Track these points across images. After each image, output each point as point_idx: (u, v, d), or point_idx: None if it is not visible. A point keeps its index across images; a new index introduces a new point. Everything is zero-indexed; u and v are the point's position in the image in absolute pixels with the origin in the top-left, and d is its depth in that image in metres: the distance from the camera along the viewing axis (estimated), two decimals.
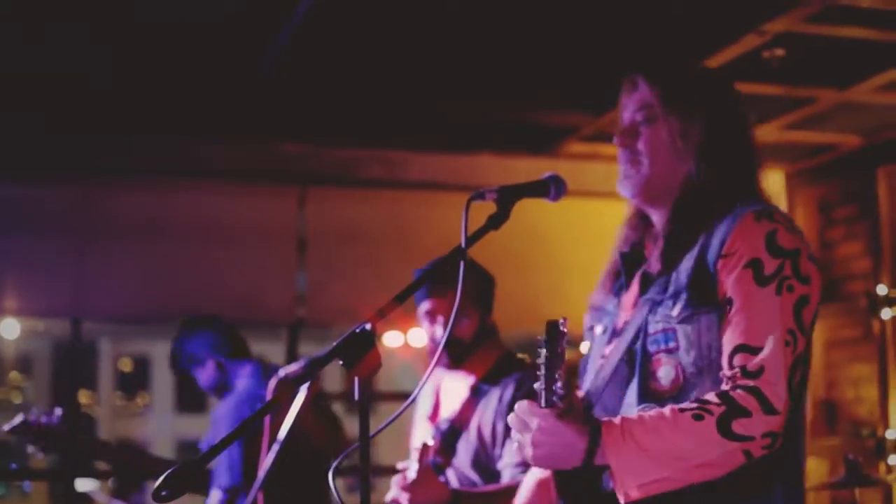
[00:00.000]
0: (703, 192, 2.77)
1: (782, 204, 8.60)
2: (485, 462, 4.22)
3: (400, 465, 4.01)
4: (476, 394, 4.30)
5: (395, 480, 4.01)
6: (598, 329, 2.95)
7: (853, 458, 4.73)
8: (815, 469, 8.19)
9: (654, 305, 2.72)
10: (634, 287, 2.88)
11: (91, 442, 4.91)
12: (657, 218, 2.89)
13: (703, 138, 2.80)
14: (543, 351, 2.48)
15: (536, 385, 2.52)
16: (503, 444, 4.17)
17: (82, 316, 8.22)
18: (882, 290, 7.71)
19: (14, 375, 37.18)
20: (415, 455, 4.02)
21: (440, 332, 4.32)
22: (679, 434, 2.48)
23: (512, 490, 4.07)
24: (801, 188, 8.64)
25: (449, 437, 4.31)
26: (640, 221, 2.97)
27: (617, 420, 2.52)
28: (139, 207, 8.06)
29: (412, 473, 3.96)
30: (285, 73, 6.48)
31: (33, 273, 7.86)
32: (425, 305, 4.34)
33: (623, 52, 6.07)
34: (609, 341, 2.86)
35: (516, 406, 2.54)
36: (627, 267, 2.93)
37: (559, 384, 2.47)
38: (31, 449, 4.79)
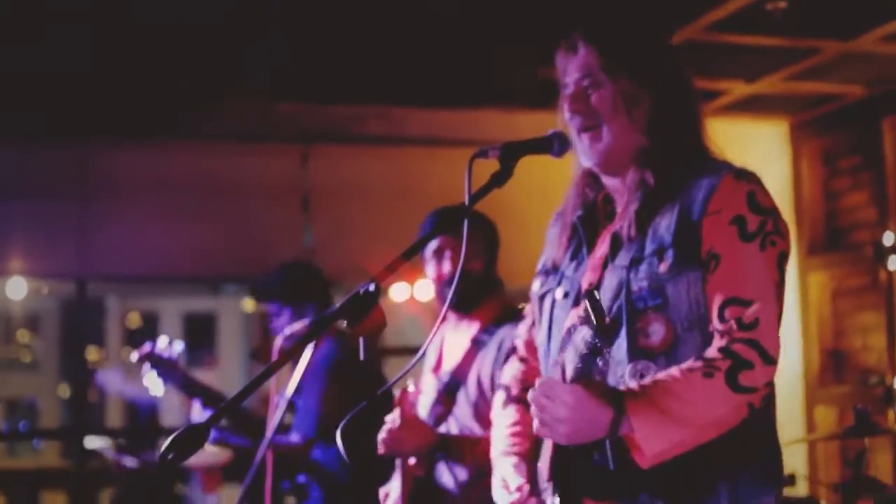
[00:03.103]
0: (664, 152, 2.77)
1: (786, 155, 8.60)
2: (484, 412, 4.24)
3: (388, 418, 4.05)
4: (476, 344, 4.33)
5: (384, 430, 4.06)
6: (559, 293, 2.92)
7: (862, 407, 4.72)
8: (824, 419, 8.23)
9: (635, 264, 2.71)
10: (600, 249, 2.85)
11: (197, 384, 5.09)
12: (614, 182, 2.86)
13: (653, 97, 2.79)
14: (587, 326, 2.41)
15: (563, 358, 2.51)
16: None
17: (87, 276, 8.25)
18: (888, 238, 7.70)
19: (22, 334, 37.27)
20: (396, 401, 4.07)
21: (447, 267, 4.35)
22: (694, 393, 2.50)
23: None
24: (805, 139, 8.62)
25: (450, 388, 4.34)
26: (591, 182, 2.95)
27: (636, 387, 2.53)
28: (141, 167, 8.08)
29: (396, 420, 4.00)
30: (284, 32, 6.46)
31: (37, 234, 7.89)
32: (433, 244, 4.37)
33: (627, 4, 6.03)
34: (575, 304, 2.84)
35: (537, 383, 2.52)
36: (586, 229, 2.91)
37: (602, 360, 2.43)
38: (150, 374, 5.02)
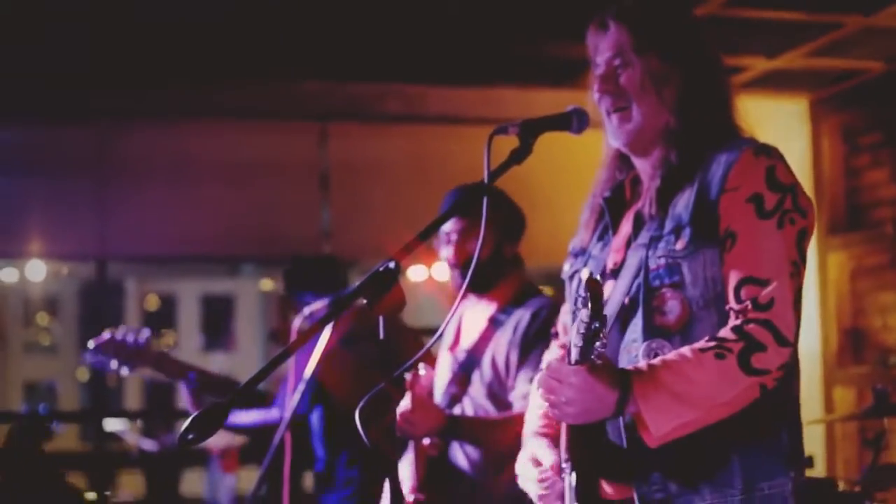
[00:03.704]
0: (691, 131, 2.76)
1: (806, 132, 8.55)
2: (498, 392, 4.24)
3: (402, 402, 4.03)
4: (493, 324, 4.31)
5: (397, 411, 4.04)
6: (585, 274, 2.92)
7: (881, 387, 4.70)
8: (843, 399, 8.19)
9: (654, 242, 2.71)
10: (624, 229, 2.86)
11: (177, 363, 4.93)
12: (642, 162, 2.86)
13: (683, 77, 2.77)
14: (586, 309, 2.43)
15: (570, 341, 2.51)
16: (516, 375, 4.19)
17: (107, 257, 8.26)
18: None
19: (41, 316, 37.42)
20: (407, 384, 4.04)
21: (449, 252, 4.34)
22: (705, 374, 2.50)
23: (516, 419, 4.10)
24: (825, 115, 8.57)
25: (466, 367, 4.33)
26: (621, 164, 2.95)
27: (644, 366, 2.54)
28: (161, 147, 8.08)
29: (406, 402, 3.99)
30: (302, 10, 6.44)
31: (57, 216, 7.90)
32: (445, 226, 4.35)
33: None
34: None
35: (545, 366, 2.54)
36: (612, 210, 2.91)
37: (600, 342, 2.45)
38: (114, 365, 4.76)
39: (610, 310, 2.74)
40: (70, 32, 6.78)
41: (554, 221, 6.83)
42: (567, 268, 3.03)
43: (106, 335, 4.78)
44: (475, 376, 4.30)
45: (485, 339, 4.32)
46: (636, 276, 2.71)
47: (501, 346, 4.25)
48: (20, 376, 35.05)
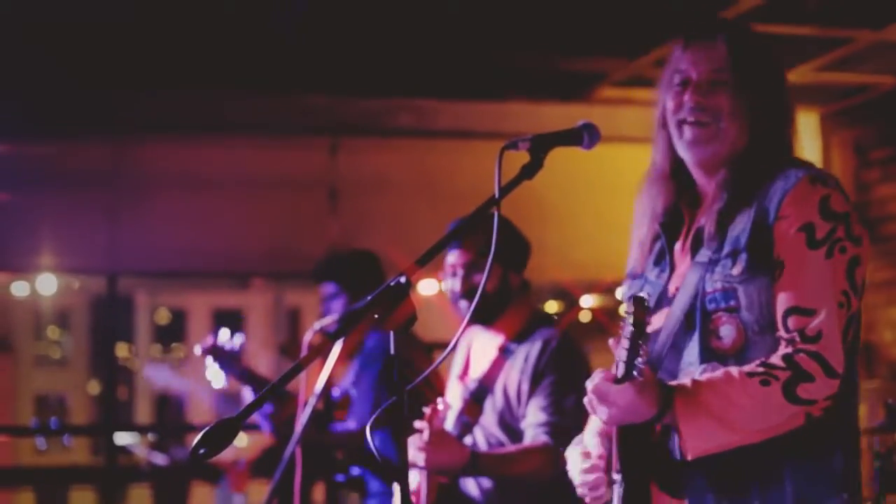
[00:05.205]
0: (759, 158, 2.77)
1: (817, 146, 8.54)
2: (510, 421, 4.23)
3: (417, 425, 3.99)
4: (504, 353, 4.31)
5: (412, 441, 3.99)
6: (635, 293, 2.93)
7: (893, 402, 4.68)
8: None
9: (711, 264, 2.72)
10: (684, 259, 2.86)
11: (256, 375, 5.15)
12: (707, 181, 2.85)
13: (764, 108, 2.80)
14: (629, 326, 2.49)
15: (617, 355, 2.55)
16: (527, 404, 4.18)
17: (117, 272, 8.27)
18: None
19: (52, 330, 37.47)
20: (426, 417, 4.00)
21: (455, 284, 4.34)
22: (747, 399, 2.53)
23: (531, 451, 4.09)
24: (836, 130, 8.56)
25: (477, 396, 4.32)
26: (672, 184, 2.92)
27: (688, 383, 2.57)
28: (171, 162, 8.10)
29: (426, 435, 3.95)
30: (313, 24, 6.46)
31: (68, 230, 7.91)
32: (448, 258, 4.35)
33: None
34: (657, 309, 2.84)
35: (593, 375, 2.58)
36: (668, 235, 2.91)
37: (641, 359, 2.50)
38: (213, 366, 5.06)
39: (668, 331, 2.77)
40: (82, 47, 6.80)
41: (563, 236, 6.84)
42: (625, 289, 3.05)
43: (209, 340, 5.05)
44: (487, 405, 4.29)
45: (496, 368, 4.31)
46: (694, 297, 2.73)
47: (513, 375, 4.25)
48: (31, 389, 35.09)
